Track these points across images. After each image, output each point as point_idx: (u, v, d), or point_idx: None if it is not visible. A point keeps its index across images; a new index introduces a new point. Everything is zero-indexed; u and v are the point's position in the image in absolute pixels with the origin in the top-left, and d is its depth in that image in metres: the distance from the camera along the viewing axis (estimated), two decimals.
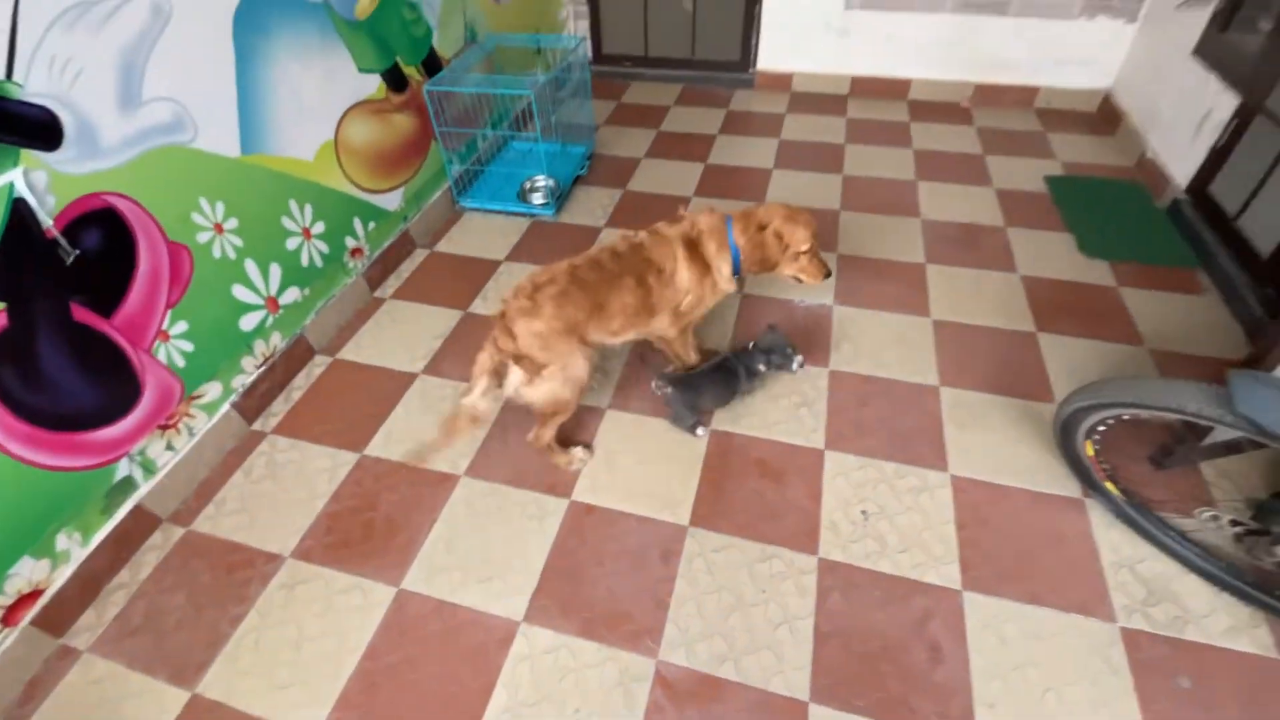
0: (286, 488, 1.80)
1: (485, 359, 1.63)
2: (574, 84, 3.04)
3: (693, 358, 1.98)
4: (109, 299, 1.49)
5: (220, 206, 1.74)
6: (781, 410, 1.93)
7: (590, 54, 4.07)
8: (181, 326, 1.69)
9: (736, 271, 1.80)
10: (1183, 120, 2.70)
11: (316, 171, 2.08)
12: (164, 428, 1.69)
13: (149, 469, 1.67)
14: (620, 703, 1.36)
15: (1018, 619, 1.46)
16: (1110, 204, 2.73)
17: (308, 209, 2.06)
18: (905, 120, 3.47)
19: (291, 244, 2.03)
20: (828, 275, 1.84)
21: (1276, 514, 1.19)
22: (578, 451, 1.81)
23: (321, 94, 2.05)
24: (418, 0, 2.44)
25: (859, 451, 1.81)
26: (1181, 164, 2.68)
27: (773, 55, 3.76)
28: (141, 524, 1.66)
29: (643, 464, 1.82)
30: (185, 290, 1.68)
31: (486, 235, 2.73)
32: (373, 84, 2.29)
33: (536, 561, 1.61)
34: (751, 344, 1.88)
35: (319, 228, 2.13)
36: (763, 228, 1.74)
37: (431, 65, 2.60)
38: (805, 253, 1.78)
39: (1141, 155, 2.96)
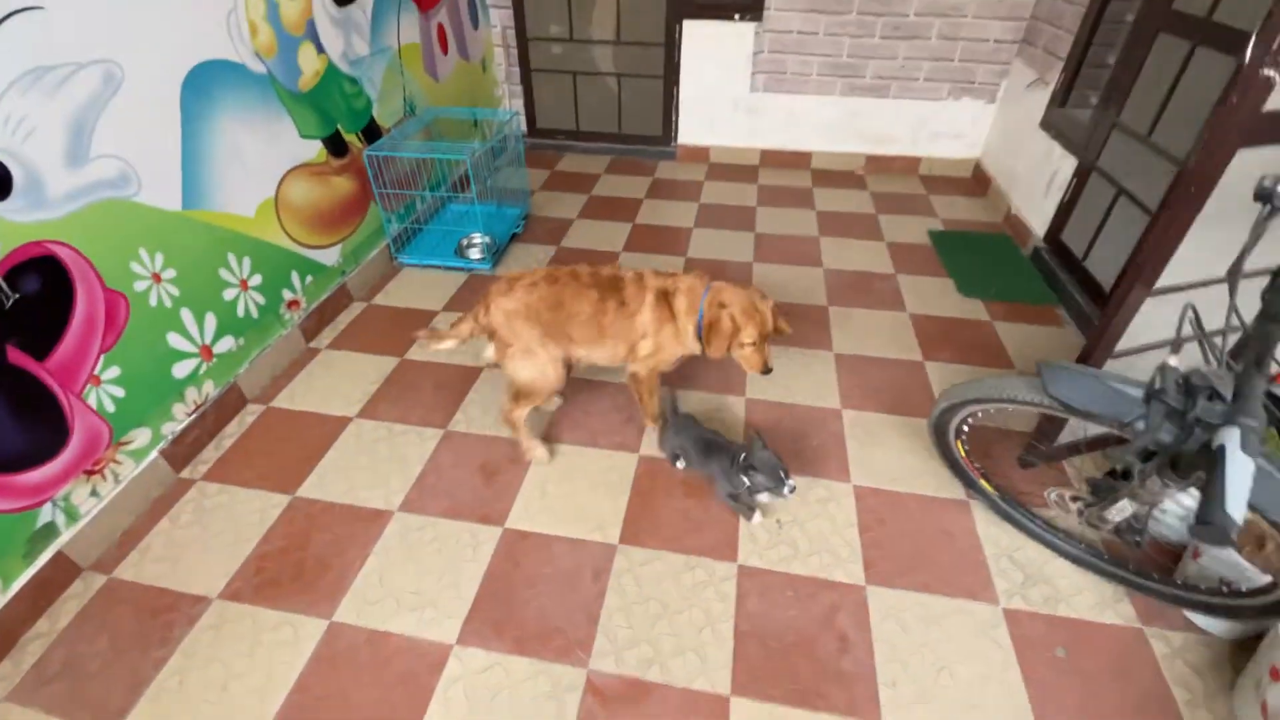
0: (214, 532, 1.79)
1: (465, 326, 1.88)
2: (509, 153, 3.29)
3: (652, 409, 2.04)
4: (44, 342, 1.53)
5: (159, 257, 1.81)
6: None
7: (524, 127, 4.38)
8: (114, 372, 1.72)
9: (699, 334, 1.84)
10: (1036, 181, 3.17)
11: (256, 227, 2.18)
12: (90, 473, 1.68)
13: (72, 515, 1.65)
14: (553, 713, 1.41)
15: (915, 607, 1.61)
16: (983, 252, 3.14)
17: (246, 262, 2.15)
18: (809, 186, 3.88)
19: (229, 295, 2.10)
20: (767, 372, 1.84)
21: (1106, 489, 1.41)
22: (538, 446, 1.98)
23: (263, 156, 2.18)
24: (358, 75, 2.65)
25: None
26: (1038, 217, 3.12)
27: (691, 131, 4.16)
28: (62, 571, 1.62)
29: (575, 490, 1.92)
30: (119, 336, 1.72)
31: (423, 288, 2.86)
32: (314, 148, 2.44)
33: (470, 588, 1.66)
34: (743, 455, 1.72)
35: (256, 280, 2.21)
36: (723, 306, 1.78)
37: (371, 133, 2.78)
38: (750, 344, 1.82)
39: (1008, 211, 3.42)
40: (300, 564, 1.71)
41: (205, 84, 1.91)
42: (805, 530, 1.79)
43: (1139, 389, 1.19)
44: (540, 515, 1.84)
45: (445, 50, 3.40)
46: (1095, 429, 1.56)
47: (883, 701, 1.43)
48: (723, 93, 3.95)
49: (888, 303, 2.78)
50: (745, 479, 1.69)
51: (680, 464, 1.94)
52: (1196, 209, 1.29)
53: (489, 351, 1.89)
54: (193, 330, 1.97)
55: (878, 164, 4.04)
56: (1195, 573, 1.54)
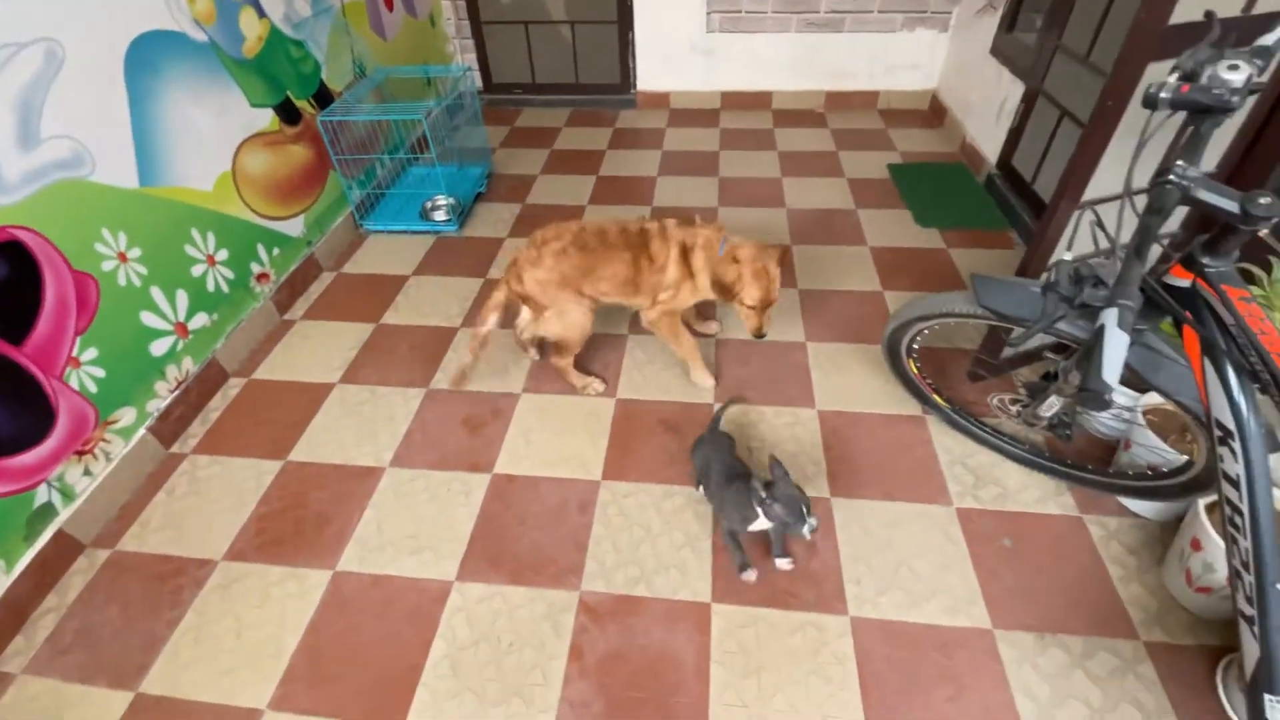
0: (212, 500, 1.86)
1: (499, 296, 1.98)
2: (466, 111, 3.25)
3: (683, 344, 2.08)
4: (19, 328, 1.55)
5: (123, 236, 1.82)
6: (676, 377, 2.19)
7: (480, 83, 4.30)
8: (92, 353, 1.74)
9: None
10: (988, 108, 3.23)
11: (216, 201, 2.17)
12: (81, 453, 1.73)
13: (68, 494, 1.71)
14: (550, 632, 1.54)
15: (877, 514, 1.75)
16: (940, 183, 3.22)
17: (210, 237, 2.15)
18: (770, 127, 3.90)
19: (196, 271, 2.11)
20: (760, 336, 1.89)
21: (1039, 390, 1.54)
22: (594, 380, 2.13)
23: (215, 127, 2.16)
24: (303, 38, 2.59)
25: (745, 400, 2.09)
26: (990, 144, 3.20)
27: (649, 77, 4.12)
28: (65, 549, 1.69)
29: (557, 435, 2.01)
30: (93, 317, 1.74)
31: (392, 254, 2.87)
32: (266, 117, 2.41)
33: (464, 530, 1.76)
34: (765, 483, 1.48)
35: (222, 255, 2.21)
36: (735, 262, 1.82)
37: (323, 98, 2.74)
38: (750, 307, 1.85)
39: (963, 140, 3.49)
40: (300, 521, 1.80)
41: (148, 56, 1.87)
42: (775, 453, 1.91)
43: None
44: (525, 460, 1.94)
45: (391, 7, 3.31)
46: (1035, 342, 1.69)
47: (849, 597, 1.58)
48: (678, 35, 3.90)
49: (849, 238, 2.86)
50: (761, 510, 1.45)
51: (700, 490, 1.78)
52: (1114, 123, 1.38)
53: (524, 315, 2.02)
54: (165, 308, 1.99)
55: (837, 100, 4.05)
56: (1126, 462, 1.70)
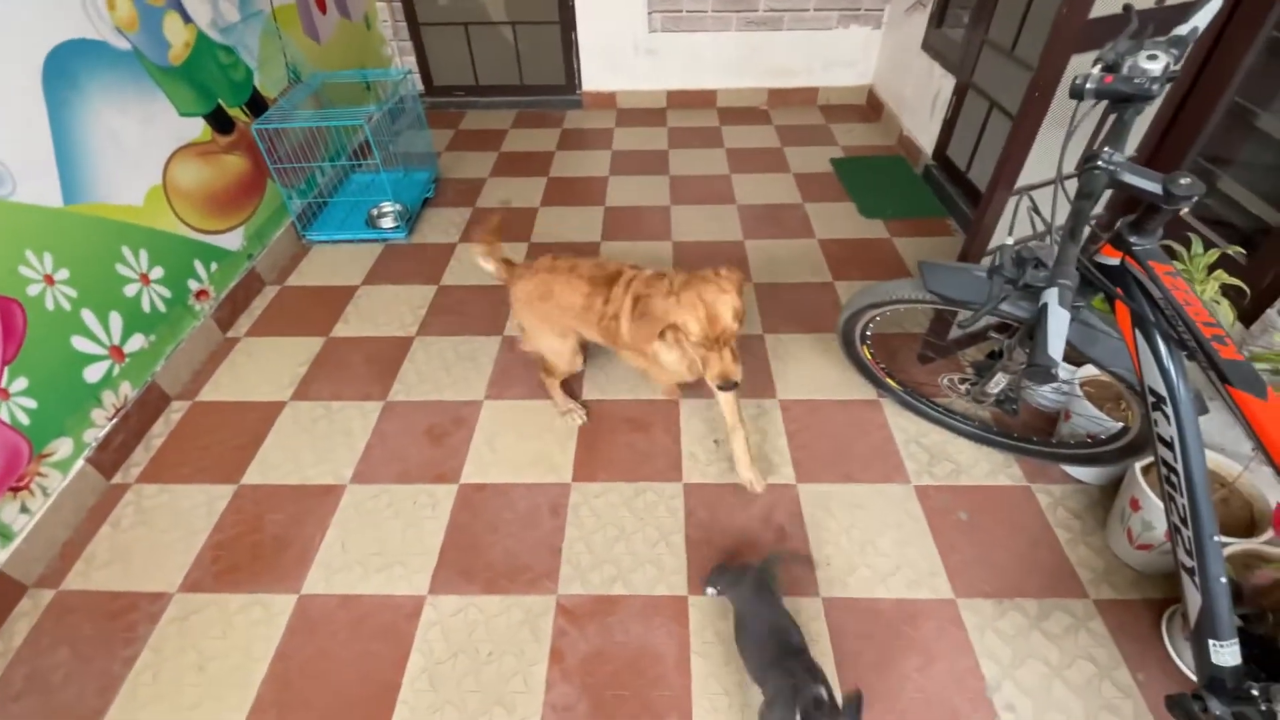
0: (161, 530, 1.77)
1: (500, 270, 1.97)
2: (408, 115, 3.18)
3: (666, 380, 1.90)
4: None
5: (48, 257, 1.71)
6: (639, 376, 2.20)
7: (421, 86, 4.21)
8: (21, 383, 1.63)
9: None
10: (922, 102, 3.37)
11: (147, 216, 2.06)
12: (16, 490, 1.62)
13: (5, 534, 1.59)
14: (529, 638, 1.53)
15: (839, 496, 1.81)
16: (880, 175, 3.33)
17: (143, 254, 2.04)
18: (716, 125, 3.96)
19: (129, 291, 2.00)
20: (727, 386, 1.55)
21: (986, 369, 1.62)
22: (576, 409, 2.03)
23: (143, 139, 2.05)
24: (233, 43, 2.48)
25: (708, 394, 2.12)
26: (926, 136, 3.33)
27: (595, 77, 4.12)
28: (5, 592, 1.58)
29: (523, 440, 2.00)
30: (20, 345, 1.63)
31: (338, 264, 2.79)
32: (197, 127, 2.30)
33: (433, 543, 1.73)
34: (818, 699, 1.13)
35: (157, 272, 2.10)
36: (659, 292, 1.55)
37: (257, 105, 2.63)
38: (694, 342, 1.52)
39: (900, 133, 3.62)
40: (257, 546, 1.73)
41: (67, 67, 1.76)
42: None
43: None
44: (492, 468, 1.92)
45: (324, 9, 3.21)
46: (981, 323, 1.77)
47: (819, 579, 1.62)
48: (621, 35, 3.91)
49: (798, 231, 2.93)
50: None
51: (710, 592, 1.55)
52: (1042, 113, 1.46)
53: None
54: (98, 331, 1.88)
55: (779, 97, 4.14)
56: (1068, 432, 1.80)
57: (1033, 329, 1.32)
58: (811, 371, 2.19)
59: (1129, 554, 1.61)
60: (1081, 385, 1.76)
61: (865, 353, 1.88)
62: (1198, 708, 1.06)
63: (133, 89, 2.00)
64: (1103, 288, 1.13)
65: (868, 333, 1.81)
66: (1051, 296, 0.94)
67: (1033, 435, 1.83)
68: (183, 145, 2.22)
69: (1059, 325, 0.91)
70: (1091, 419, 1.68)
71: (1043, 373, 0.91)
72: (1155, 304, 1.05)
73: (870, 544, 1.69)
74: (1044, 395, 1.88)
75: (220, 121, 2.42)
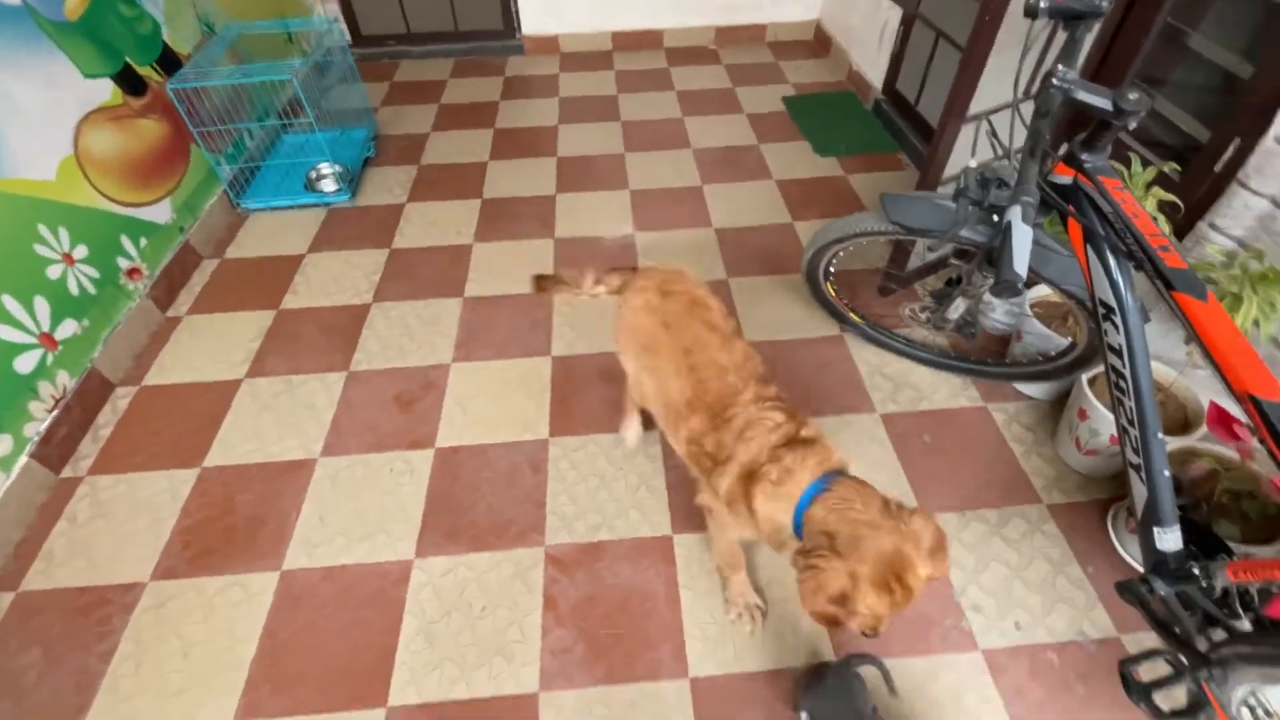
0: (122, 521, 1.70)
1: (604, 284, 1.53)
2: (338, 68, 2.98)
3: (735, 590, 1.46)
4: None
5: None
6: (608, 329, 2.19)
7: (348, 36, 3.94)
8: None
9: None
10: (870, 35, 3.34)
11: (62, 190, 1.90)
12: None
13: None
14: (521, 589, 1.55)
15: None
16: (832, 112, 3.32)
17: (62, 232, 1.89)
18: (665, 66, 3.85)
19: (53, 272, 1.85)
20: (870, 633, 1.00)
21: (944, 295, 1.68)
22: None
23: (45, 105, 1.86)
24: None
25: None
26: (875, 70, 3.32)
27: (534, 19, 3.93)
28: None
29: (495, 401, 1.98)
30: None
31: (280, 232, 2.64)
32: (105, 89, 2.10)
33: (415, 509, 1.72)
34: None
35: (81, 251, 1.95)
36: (834, 551, 0.97)
37: (169, 63, 2.42)
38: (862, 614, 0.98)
39: (849, 69, 3.60)
40: (230, 528, 1.68)
41: None
42: None
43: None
44: (467, 430, 1.90)
45: None
46: (941, 252, 1.82)
47: None
48: None
49: (755, 173, 2.92)
50: None
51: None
52: (992, 37, 1.47)
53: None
54: (23, 318, 1.74)
55: (727, 36, 4.05)
56: (1020, 352, 1.89)
57: (991, 253, 1.36)
58: (776, 312, 2.22)
59: (1077, 460, 1.72)
60: (1031, 306, 1.84)
61: (829, 289, 1.91)
62: (1145, 590, 1.17)
63: (25, 49, 1.81)
64: (1056, 206, 1.17)
65: (831, 269, 1.84)
66: (1015, 214, 0.97)
67: (988, 358, 1.91)
68: (92, 110, 2.03)
69: (1023, 241, 0.94)
70: (1041, 338, 1.77)
71: (1010, 287, 0.95)
72: (1105, 219, 1.10)
73: None
74: (997, 319, 1.96)
75: (131, 82, 2.21)
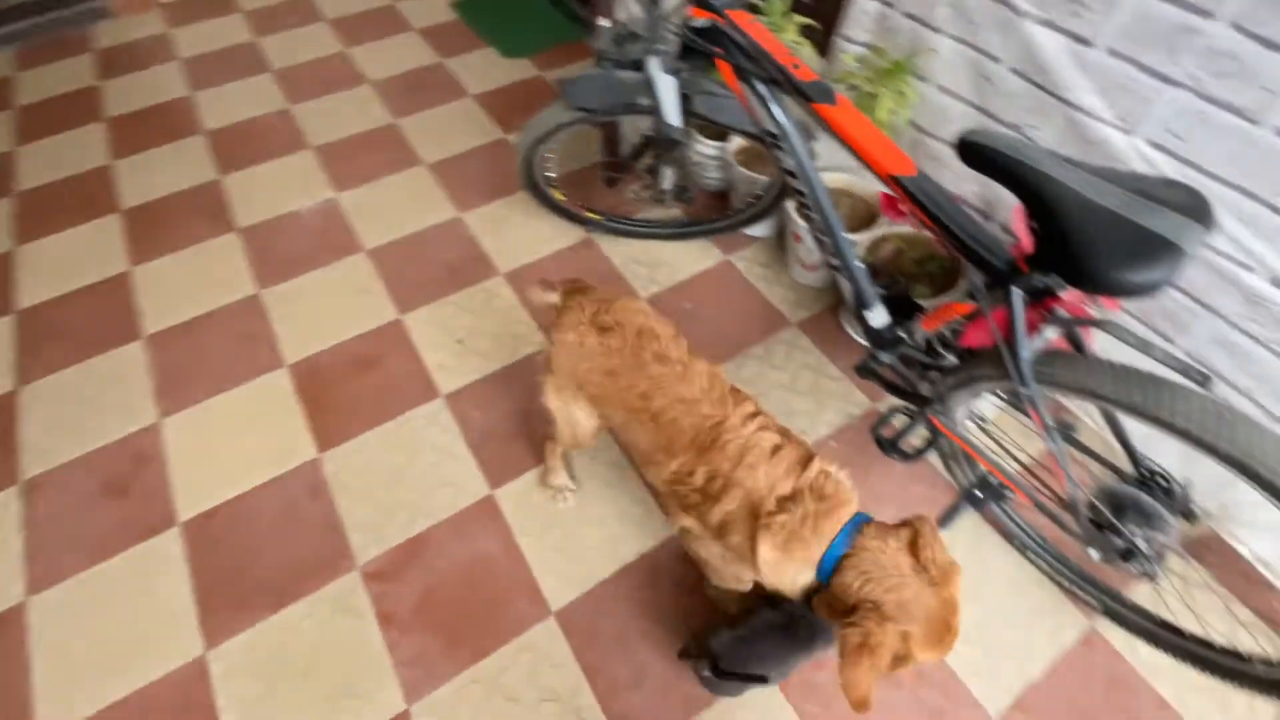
0: None
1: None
2: None
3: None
4: None
5: None
6: (346, 308, 1.94)
7: None
8: None
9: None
10: None
11: None
12: None
13: None
14: (347, 622, 1.40)
15: None
16: (508, 9, 3.11)
17: None
18: None
19: None
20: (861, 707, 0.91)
21: (654, 169, 1.71)
22: (568, 489, 1.55)
23: None
24: None
25: (427, 299, 1.96)
26: None
27: None
28: None
29: (235, 441, 1.67)
30: None
31: None
32: None
33: (183, 597, 1.43)
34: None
35: None
36: (884, 611, 0.91)
37: None
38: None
39: None
40: None
41: None
42: (484, 335, 1.88)
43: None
44: (215, 488, 1.59)
45: None
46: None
47: None
48: None
49: (448, 94, 2.67)
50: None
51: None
52: None
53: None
54: None
55: None
56: (738, 200, 2.04)
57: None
58: (522, 235, 2.13)
59: (806, 277, 1.95)
60: (735, 156, 1.97)
61: (557, 195, 1.85)
62: (874, 363, 1.38)
63: None
64: (705, 51, 1.20)
65: (549, 174, 1.77)
66: (653, 65, 0.96)
67: (714, 215, 2.04)
68: None
69: (668, 91, 0.94)
70: (749, 180, 1.91)
71: (670, 142, 0.95)
72: (745, 52, 1.15)
73: None
74: (710, 176, 2.08)
75: None
